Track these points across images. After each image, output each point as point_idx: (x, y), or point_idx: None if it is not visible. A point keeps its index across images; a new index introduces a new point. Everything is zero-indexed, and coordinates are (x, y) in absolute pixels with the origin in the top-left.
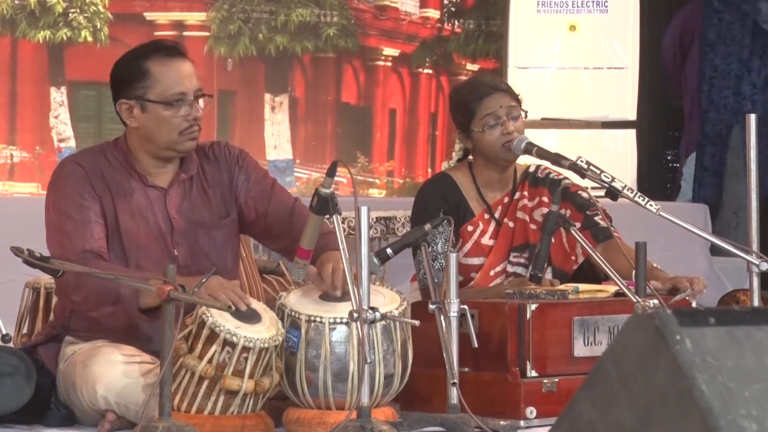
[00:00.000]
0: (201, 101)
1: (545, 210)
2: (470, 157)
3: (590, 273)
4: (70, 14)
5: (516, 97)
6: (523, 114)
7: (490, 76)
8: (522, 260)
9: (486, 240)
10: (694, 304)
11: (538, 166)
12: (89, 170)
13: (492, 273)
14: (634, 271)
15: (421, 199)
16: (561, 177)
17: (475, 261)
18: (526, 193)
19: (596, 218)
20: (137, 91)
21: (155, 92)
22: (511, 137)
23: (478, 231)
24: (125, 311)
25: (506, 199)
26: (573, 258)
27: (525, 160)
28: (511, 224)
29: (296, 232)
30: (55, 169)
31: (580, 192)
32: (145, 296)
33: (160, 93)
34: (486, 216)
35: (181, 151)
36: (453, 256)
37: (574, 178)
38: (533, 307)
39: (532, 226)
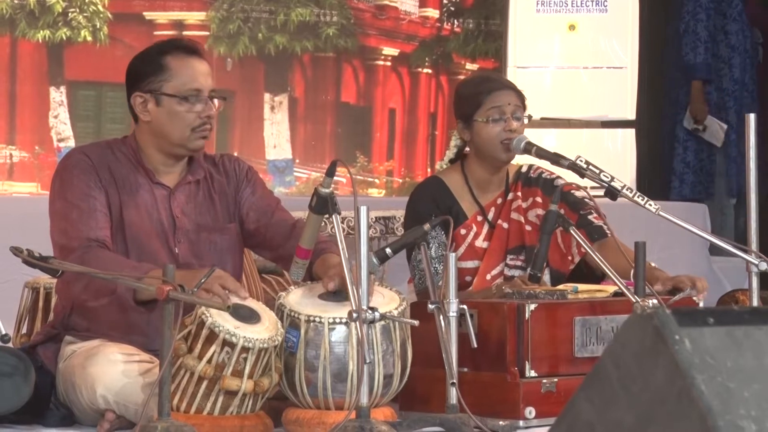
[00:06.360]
0: (216, 101)
1: (539, 210)
2: (467, 149)
3: (587, 272)
4: (70, 14)
5: (523, 100)
6: (526, 119)
7: (501, 75)
8: (519, 262)
9: (480, 242)
10: (701, 304)
11: (530, 166)
12: (96, 161)
13: (489, 276)
14: (632, 271)
15: (413, 204)
16: (554, 176)
17: (470, 264)
18: (519, 193)
19: (590, 217)
20: (153, 85)
21: (171, 86)
22: (511, 136)
23: (472, 233)
24: (122, 302)
25: (499, 200)
26: (569, 258)
27: (527, 161)
28: (505, 225)
29: (292, 249)
30: (61, 159)
31: (572, 191)
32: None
33: (176, 87)
34: (479, 218)
35: (191, 148)
36: (452, 256)
37: (574, 177)
38: (532, 307)
39: (527, 227)
